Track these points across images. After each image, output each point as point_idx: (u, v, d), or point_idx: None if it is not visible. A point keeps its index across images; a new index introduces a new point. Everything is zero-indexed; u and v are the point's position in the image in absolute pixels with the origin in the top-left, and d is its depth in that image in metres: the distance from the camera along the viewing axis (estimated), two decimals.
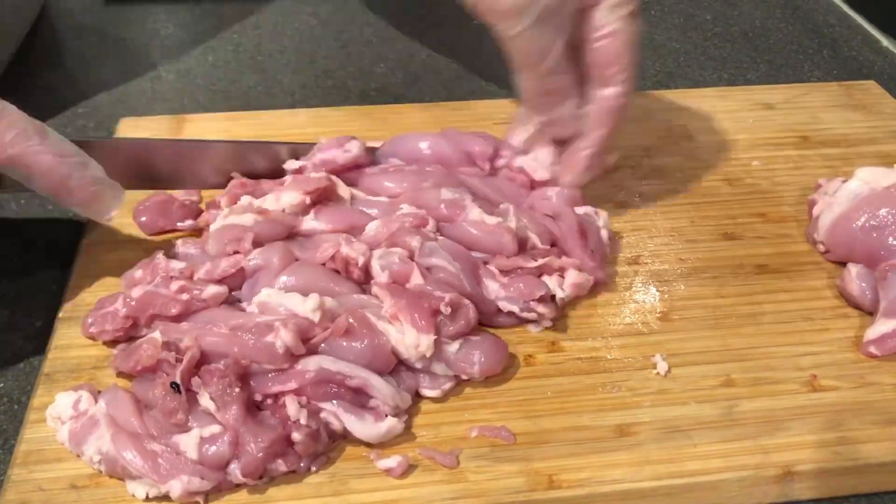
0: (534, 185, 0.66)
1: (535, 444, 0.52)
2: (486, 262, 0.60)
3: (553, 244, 0.62)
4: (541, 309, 0.58)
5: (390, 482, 0.50)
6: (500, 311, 0.59)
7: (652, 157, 0.75)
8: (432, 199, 0.62)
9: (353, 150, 0.65)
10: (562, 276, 0.60)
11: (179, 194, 0.67)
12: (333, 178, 0.64)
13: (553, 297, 0.59)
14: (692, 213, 0.70)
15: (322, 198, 0.62)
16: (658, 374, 0.56)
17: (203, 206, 0.67)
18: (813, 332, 0.60)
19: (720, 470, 0.51)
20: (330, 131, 0.75)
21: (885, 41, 0.98)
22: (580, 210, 0.64)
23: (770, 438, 0.52)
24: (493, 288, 0.58)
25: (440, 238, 0.60)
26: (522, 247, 0.61)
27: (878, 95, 0.84)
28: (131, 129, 0.76)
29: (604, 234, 0.64)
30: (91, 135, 0.60)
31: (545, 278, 0.59)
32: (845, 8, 1.05)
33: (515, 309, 0.58)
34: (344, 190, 0.64)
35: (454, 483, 0.50)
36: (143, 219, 0.65)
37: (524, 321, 0.59)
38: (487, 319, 0.58)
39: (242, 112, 0.80)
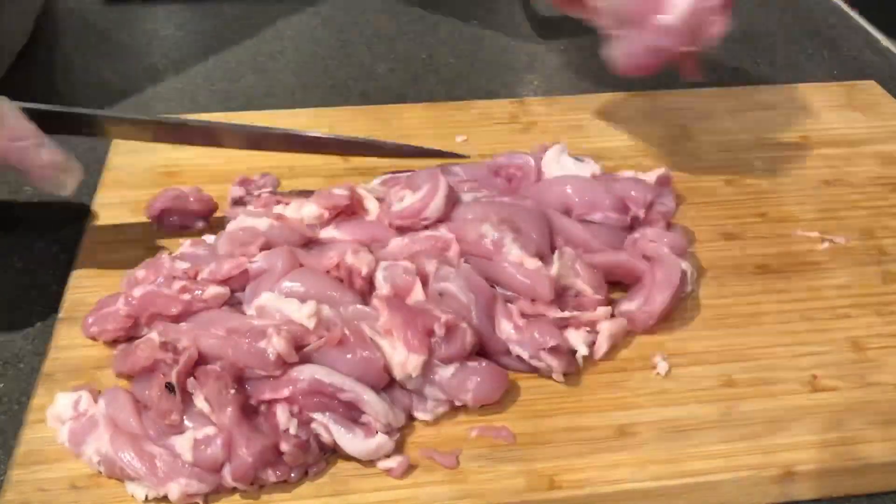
0: (634, 223, 0.65)
1: (535, 445, 0.52)
2: (510, 301, 0.58)
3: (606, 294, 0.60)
4: (550, 360, 0.55)
5: (390, 482, 0.50)
6: (509, 353, 0.56)
7: (652, 157, 0.75)
8: (472, 232, 0.60)
9: (432, 216, 0.62)
10: (590, 332, 0.57)
11: (191, 191, 0.67)
12: (360, 191, 0.63)
13: (574, 351, 0.56)
14: (692, 213, 0.70)
15: (343, 213, 0.62)
16: (658, 374, 0.56)
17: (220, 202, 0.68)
18: (813, 332, 0.60)
19: (720, 470, 0.51)
20: (329, 131, 0.76)
21: (885, 41, 0.98)
22: (683, 265, 0.61)
23: (770, 438, 0.52)
24: (506, 328, 0.56)
25: (463, 266, 0.58)
26: (562, 294, 0.58)
27: (878, 95, 0.84)
28: None
29: (689, 289, 0.62)
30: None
31: (571, 331, 0.57)
32: (845, 8, 1.05)
33: (525, 355, 0.55)
34: (372, 203, 0.63)
35: (454, 483, 0.50)
36: (159, 216, 0.66)
37: (534, 369, 0.56)
38: (496, 358, 0.56)
39: (242, 112, 0.80)
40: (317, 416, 0.51)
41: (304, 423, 0.51)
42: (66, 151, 0.60)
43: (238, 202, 0.66)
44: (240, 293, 0.58)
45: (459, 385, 0.53)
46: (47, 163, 0.60)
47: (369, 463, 0.51)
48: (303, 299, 0.54)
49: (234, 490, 0.49)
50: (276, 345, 0.51)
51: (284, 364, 0.51)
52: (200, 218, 0.66)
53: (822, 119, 0.81)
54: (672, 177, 0.69)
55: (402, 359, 0.52)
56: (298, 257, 0.59)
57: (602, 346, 0.57)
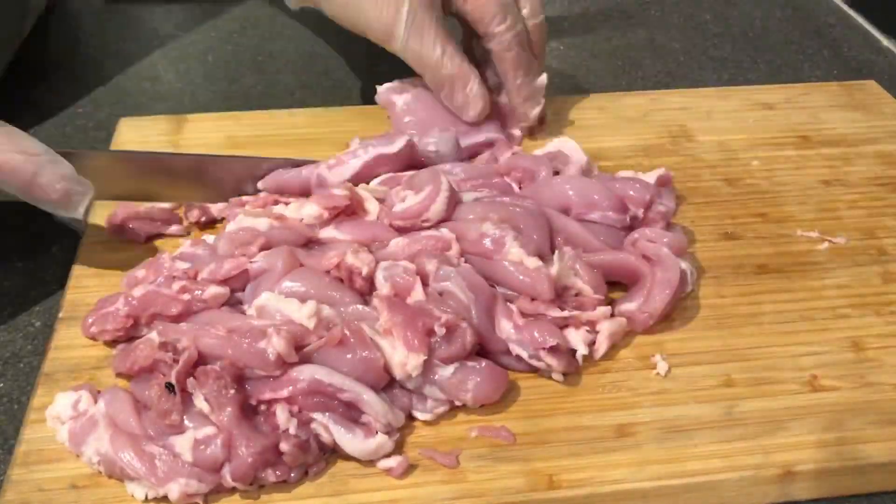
0: (633, 223, 0.65)
1: (535, 444, 0.52)
2: (510, 300, 0.58)
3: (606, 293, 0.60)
4: (549, 360, 0.55)
5: (390, 482, 0.50)
6: (509, 352, 0.56)
7: (652, 157, 0.75)
8: (472, 231, 0.60)
9: (434, 218, 0.61)
10: (590, 331, 0.57)
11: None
12: (362, 192, 0.63)
13: (574, 351, 0.56)
14: (692, 213, 0.70)
15: (344, 213, 0.62)
16: (658, 374, 0.56)
17: (181, 212, 0.67)
18: (813, 332, 0.60)
19: (720, 470, 0.51)
20: (330, 131, 0.76)
21: (885, 41, 0.98)
22: (683, 264, 0.61)
23: (770, 438, 0.52)
24: (506, 327, 0.56)
25: (462, 266, 0.58)
26: (562, 294, 0.58)
27: (878, 95, 0.84)
28: (131, 128, 0.76)
29: (689, 289, 0.62)
30: (90, 146, 0.65)
31: (570, 331, 0.57)
32: (845, 8, 1.05)
33: (524, 354, 0.55)
34: (373, 204, 0.63)
35: (454, 483, 0.50)
36: (131, 226, 0.65)
37: (534, 368, 0.56)
38: (496, 358, 0.56)
39: (242, 112, 0.80)
40: (317, 416, 0.51)
41: (304, 423, 0.51)
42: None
43: (237, 202, 0.66)
44: (240, 293, 0.58)
45: (459, 385, 0.53)
46: (60, 178, 0.57)
47: (369, 463, 0.51)
48: (303, 299, 0.54)
49: (233, 490, 0.49)
50: (276, 345, 0.51)
51: (284, 364, 0.51)
52: (170, 223, 0.66)
53: (822, 119, 0.81)
54: (672, 177, 0.69)
55: (402, 359, 0.52)
56: (298, 257, 0.59)
57: (602, 346, 0.57)
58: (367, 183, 0.67)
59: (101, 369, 0.56)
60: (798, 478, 0.51)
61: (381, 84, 0.77)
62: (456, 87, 0.72)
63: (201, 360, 0.51)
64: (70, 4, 1.01)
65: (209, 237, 0.62)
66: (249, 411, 0.51)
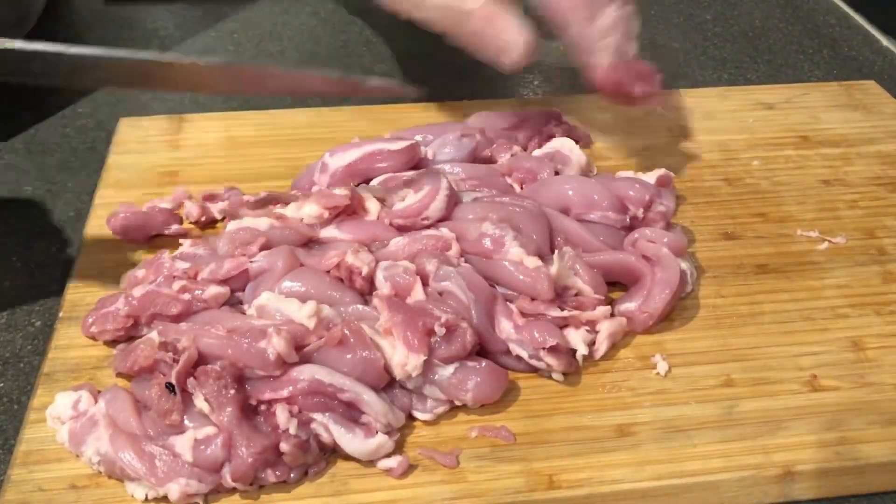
0: (634, 224, 0.65)
1: (535, 444, 0.52)
2: (510, 300, 0.58)
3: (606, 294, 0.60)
4: (549, 359, 0.55)
5: (390, 482, 0.50)
6: (509, 352, 0.56)
7: (652, 157, 0.75)
8: (472, 230, 0.60)
9: (433, 216, 0.62)
10: (590, 331, 0.57)
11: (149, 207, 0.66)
12: (362, 192, 0.63)
13: (574, 351, 0.56)
14: (692, 213, 0.70)
15: (344, 213, 0.62)
16: (658, 374, 0.56)
17: (181, 212, 0.67)
18: (813, 332, 0.60)
19: (720, 470, 0.51)
20: (330, 131, 0.76)
21: (885, 41, 0.98)
22: (683, 264, 0.62)
23: (770, 438, 0.53)
24: (506, 327, 0.56)
25: (462, 266, 0.58)
26: (561, 294, 0.58)
27: (878, 95, 0.84)
28: (131, 128, 0.76)
29: (689, 289, 0.62)
30: None
31: (570, 331, 0.57)
32: (845, 8, 1.05)
33: (525, 354, 0.55)
34: (373, 204, 0.63)
35: (454, 483, 0.50)
36: (131, 226, 0.64)
37: (534, 368, 0.56)
38: (496, 358, 0.56)
39: (242, 112, 0.80)
40: (317, 416, 0.51)
41: (304, 423, 0.51)
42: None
43: (238, 202, 0.66)
44: (240, 293, 0.58)
45: (459, 385, 0.53)
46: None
47: (369, 463, 0.51)
48: (303, 299, 0.54)
49: (233, 490, 0.49)
50: (276, 345, 0.51)
51: (284, 364, 0.51)
52: (171, 223, 0.66)
53: (822, 119, 0.81)
54: (672, 177, 0.69)
55: (402, 359, 0.52)
56: (298, 257, 0.59)
57: (601, 346, 0.57)
58: (368, 182, 0.67)
59: (101, 369, 0.56)
60: (798, 478, 0.51)
61: None
62: (488, 30, 0.67)
63: (201, 360, 0.51)
64: (70, 5, 1.01)
65: (209, 237, 0.62)
66: (249, 411, 0.51)
